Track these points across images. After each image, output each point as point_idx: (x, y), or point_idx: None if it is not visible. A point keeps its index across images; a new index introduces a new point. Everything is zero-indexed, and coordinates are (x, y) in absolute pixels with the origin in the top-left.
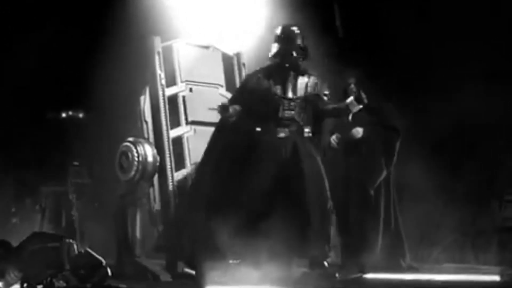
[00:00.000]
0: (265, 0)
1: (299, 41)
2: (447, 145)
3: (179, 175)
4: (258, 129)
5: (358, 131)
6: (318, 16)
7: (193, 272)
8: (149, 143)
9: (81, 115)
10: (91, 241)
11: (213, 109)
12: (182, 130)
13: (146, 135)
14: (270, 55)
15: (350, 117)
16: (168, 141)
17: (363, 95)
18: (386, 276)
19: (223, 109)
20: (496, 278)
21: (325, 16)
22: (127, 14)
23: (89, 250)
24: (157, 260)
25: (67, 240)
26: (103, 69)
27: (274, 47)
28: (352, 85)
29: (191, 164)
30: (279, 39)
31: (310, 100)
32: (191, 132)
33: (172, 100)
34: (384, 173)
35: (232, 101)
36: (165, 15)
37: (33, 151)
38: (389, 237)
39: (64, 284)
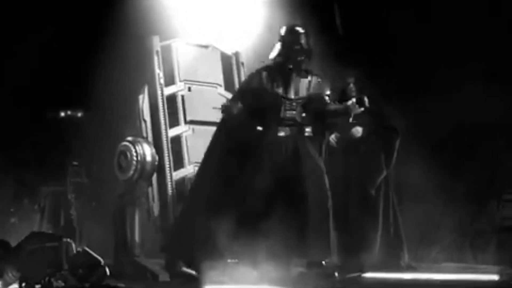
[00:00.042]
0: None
1: (303, 42)
2: (447, 145)
3: (177, 174)
4: (259, 128)
5: (358, 131)
6: (316, 16)
7: (192, 272)
8: (148, 143)
9: (80, 115)
10: (90, 240)
11: (217, 108)
12: (180, 129)
13: (144, 135)
14: (273, 55)
15: (350, 119)
16: (166, 140)
17: (366, 99)
18: (385, 276)
19: (226, 108)
20: (495, 277)
21: (324, 16)
22: (126, 13)
23: (87, 249)
24: (156, 260)
25: (66, 240)
26: (102, 68)
27: (278, 47)
28: (352, 85)
29: (189, 164)
30: (283, 39)
31: (312, 101)
32: (190, 132)
33: (171, 100)
34: (384, 173)
35: (234, 99)
36: (163, 15)
37: (32, 151)
38: (388, 236)
39: (63, 284)
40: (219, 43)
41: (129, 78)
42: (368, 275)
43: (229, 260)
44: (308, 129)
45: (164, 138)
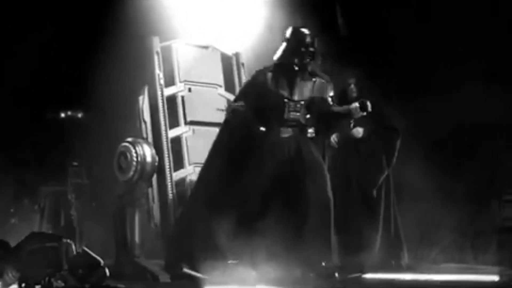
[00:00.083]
0: (264, 0)
1: (309, 44)
2: (447, 145)
3: (177, 175)
4: (262, 128)
5: (359, 131)
6: (316, 16)
7: (193, 272)
8: (148, 143)
9: (80, 115)
10: (90, 241)
11: (220, 109)
12: (180, 130)
13: (144, 135)
14: (277, 55)
15: (352, 123)
16: (166, 141)
17: (368, 103)
18: (385, 276)
19: (230, 109)
20: (495, 278)
21: (324, 16)
22: (126, 14)
23: (87, 250)
24: (156, 260)
25: (65, 240)
26: (102, 69)
27: (283, 48)
28: (352, 85)
29: (189, 164)
30: (289, 40)
31: (315, 102)
32: (190, 132)
33: (171, 100)
34: (385, 173)
35: (238, 98)
36: (164, 15)
37: (32, 151)
38: (388, 237)
39: (63, 284)
40: (219, 44)
41: (129, 78)
42: (368, 275)
43: (230, 261)
44: (310, 130)
45: (164, 139)
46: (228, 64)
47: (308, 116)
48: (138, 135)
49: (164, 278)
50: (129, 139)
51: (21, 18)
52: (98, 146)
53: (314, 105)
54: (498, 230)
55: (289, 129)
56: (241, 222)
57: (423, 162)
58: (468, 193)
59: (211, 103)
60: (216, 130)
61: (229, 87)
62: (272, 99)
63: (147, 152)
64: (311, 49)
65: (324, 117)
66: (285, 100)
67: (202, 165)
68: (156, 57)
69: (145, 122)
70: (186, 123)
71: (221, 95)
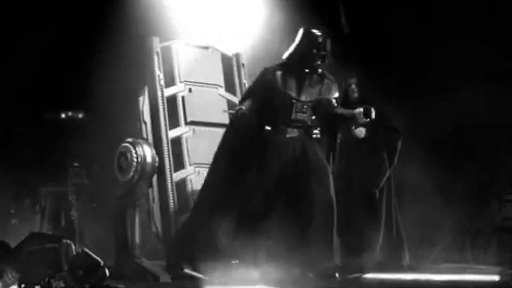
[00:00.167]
0: (263, 0)
1: (321, 46)
2: (447, 145)
3: (178, 175)
4: (268, 128)
5: (361, 131)
6: (316, 16)
7: (194, 273)
8: (148, 144)
9: (80, 116)
10: (91, 241)
11: (228, 112)
12: (181, 130)
13: (145, 136)
14: (287, 54)
15: (353, 127)
16: (167, 141)
17: (373, 110)
18: (385, 276)
19: (241, 115)
20: (495, 278)
21: (324, 16)
22: (126, 14)
23: (86, 250)
24: (156, 261)
25: (65, 241)
26: (103, 69)
27: (294, 48)
28: (353, 86)
29: (190, 165)
30: (300, 41)
31: (322, 104)
32: (190, 133)
33: (171, 101)
34: (387, 173)
35: (246, 96)
36: (164, 16)
37: (33, 151)
38: (390, 237)
39: (63, 285)
40: (220, 44)
41: (129, 79)
42: (369, 275)
43: (232, 262)
44: (316, 131)
45: (164, 139)
46: (229, 64)
47: (313, 117)
48: (138, 136)
49: (165, 278)
50: (129, 140)
51: (21, 18)
52: (98, 147)
53: (321, 106)
54: (498, 230)
55: (295, 130)
56: (243, 222)
57: (423, 162)
58: (468, 193)
59: (211, 103)
60: (216, 130)
61: (229, 87)
62: (280, 99)
63: (147, 152)
64: (322, 51)
65: (328, 118)
66: (293, 100)
67: (203, 165)
68: (156, 58)
69: (145, 123)
70: (186, 123)
71: (221, 95)
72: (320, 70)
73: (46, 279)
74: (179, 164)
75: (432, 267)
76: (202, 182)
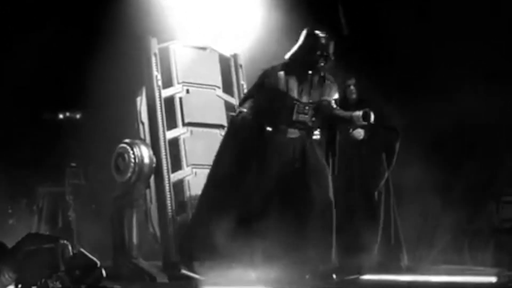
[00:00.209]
0: (261, 0)
1: (324, 47)
2: (447, 145)
3: (175, 176)
4: (269, 128)
5: (360, 132)
6: (313, 16)
7: (191, 273)
8: (146, 145)
9: (78, 116)
10: (88, 242)
11: (229, 114)
12: (178, 131)
13: (142, 137)
14: (290, 54)
15: (351, 129)
16: (164, 142)
17: (372, 114)
18: (383, 277)
19: (242, 118)
20: (493, 279)
21: (322, 16)
22: (123, 15)
23: (83, 251)
24: (154, 262)
25: (62, 241)
26: (100, 70)
27: (297, 48)
28: (352, 87)
29: (187, 166)
30: (304, 42)
31: (323, 106)
32: (188, 134)
33: (169, 102)
34: (386, 174)
35: (248, 96)
36: (161, 16)
37: (31, 151)
38: (388, 238)
39: (60, 285)
40: (217, 45)
41: (127, 79)
42: (366, 277)
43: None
44: (316, 132)
45: (162, 140)
46: (226, 65)
47: (314, 118)
48: (136, 136)
49: (162, 279)
50: (127, 140)
51: (21, 18)
52: (96, 147)
53: (322, 108)
54: (496, 231)
55: (296, 131)
56: (241, 223)
57: (423, 162)
58: (467, 194)
59: (209, 104)
60: (214, 131)
61: (227, 88)
62: (282, 99)
63: (145, 153)
64: (325, 53)
65: (327, 119)
66: (294, 101)
67: (201, 166)
68: (154, 58)
69: (143, 124)
70: (184, 124)
71: (219, 96)
72: (322, 72)
73: (43, 280)
74: (176, 165)
75: (430, 268)
76: (201, 183)
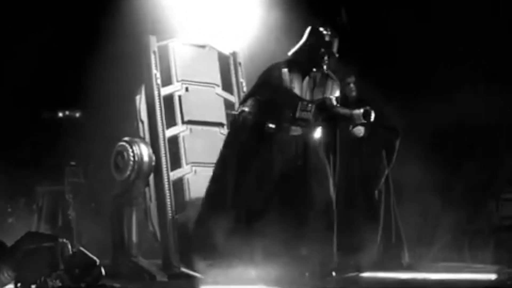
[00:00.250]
0: None
1: (329, 45)
2: (447, 145)
3: (175, 174)
4: (272, 126)
5: (360, 130)
6: (313, 15)
7: (190, 272)
8: (145, 143)
9: (77, 115)
10: (88, 240)
11: (229, 112)
12: (178, 129)
13: (142, 135)
14: (293, 51)
15: (351, 127)
16: (164, 140)
17: (372, 113)
18: (382, 275)
19: (242, 119)
20: (492, 277)
21: (321, 15)
22: (123, 13)
23: (82, 249)
24: (153, 260)
25: (61, 240)
26: (100, 68)
27: (301, 46)
28: (352, 85)
29: (187, 164)
30: (308, 40)
31: (326, 104)
32: (187, 132)
33: (168, 100)
34: (386, 172)
35: (251, 93)
36: (161, 14)
37: (30, 150)
38: (388, 236)
39: (59, 284)
40: (216, 43)
41: (126, 78)
42: (366, 274)
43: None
44: (318, 130)
45: (161, 139)
46: (226, 63)
47: (317, 116)
48: (135, 135)
49: (162, 277)
50: (126, 139)
51: (21, 18)
52: (95, 146)
53: (324, 106)
54: (496, 229)
55: (298, 128)
56: (242, 221)
57: (423, 162)
58: (467, 193)
59: (208, 102)
60: (213, 129)
61: (226, 86)
62: (285, 96)
63: (144, 151)
64: (329, 50)
65: (327, 116)
66: (298, 99)
67: (200, 164)
68: (153, 57)
69: (142, 122)
70: (183, 122)
71: (218, 94)
72: (326, 70)
73: (42, 278)
74: (176, 163)
75: (430, 266)
76: (201, 181)
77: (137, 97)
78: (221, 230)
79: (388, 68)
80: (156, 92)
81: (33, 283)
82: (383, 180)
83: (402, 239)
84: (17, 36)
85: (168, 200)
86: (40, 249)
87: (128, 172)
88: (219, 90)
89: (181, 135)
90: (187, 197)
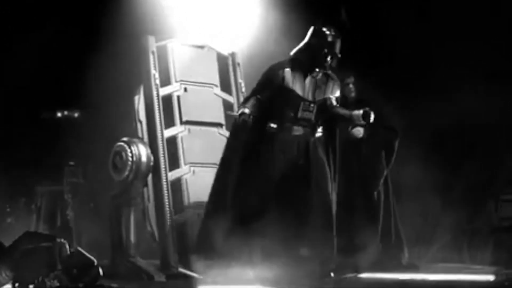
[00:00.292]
0: None
1: (331, 46)
2: (447, 145)
3: (173, 174)
4: (274, 125)
5: (359, 131)
6: (312, 15)
7: (188, 272)
8: (143, 143)
9: (76, 115)
10: (87, 241)
11: (231, 114)
12: (176, 129)
13: (140, 135)
14: (295, 51)
15: (350, 127)
16: (162, 141)
17: (372, 114)
18: (381, 276)
19: (242, 121)
20: (491, 278)
21: (320, 15)
22: (122, 13)
23: (80, 249)
24: (151, 260)
25: (59, 240)
26: (99, 69)
27: (304, 46)
28: (351, 85)
29: (185, 164)
30: (310, 41)
31: (328, 104)
32: (186, 132)
33: (167, 100)
34: (385, 173)
35: (254, 92)
36: (160, 15)
37: (30, 150)
38: (388, 237)
39: (57, 284)
40: (215, 43)
41: (125, 78)
42: (365, 275)
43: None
44: (319, 130)
45: (159, 139)
46: (224, 64)
47: (318, 116)
48: (134, 135)
49: (160, 277)
50: (125, 139)
51: (21, 18)
52: (94, 146)
53: (325, 106)
54: (495, 230)
55: (300, 128)
56: (241, 221)
57: (422, 162)
58: (467, 193)
59: (207, 103)
60: (212, 129)
61: (225, 86)
62: (287, 96)
63: (143, 151)
64: (332, 51)
65: (327, 117)
66: (300, 99)
67: (198, 165)
68: (151, 57)
69: (140, 122)
70: (181, 122)
71: (217, 94)
72: (328, 70)
73: (40, 278)
74: (174, 163)
75: (429, 267)
76: (199, 181)
77: (136, 97)
78: (220, 230)
79: (388, 68)
80: (154, 92)
81: (31, 283)
82: (382, 180)
83: (402, 240)
84: (17, 36)
85: (166, 200)
86: (38, 249)
87: (127, 173)
88: (217, 90)
89: (180, 135)
90: (185, 198)
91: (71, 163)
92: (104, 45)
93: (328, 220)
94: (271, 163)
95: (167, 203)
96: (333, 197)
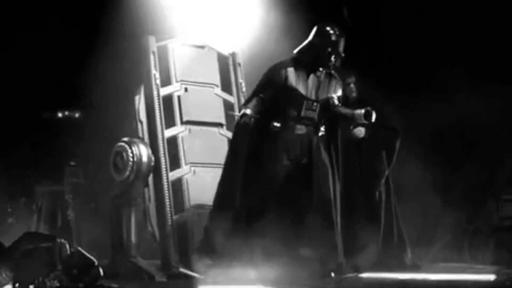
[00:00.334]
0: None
1: (335, 46)
2: (447, 145)
3: (174, 175)
4: (277, 124)
5: (361, 131)
6: (312, 15)
7: (189, 272)
8: (144, 143)
9: (77, 115)
10: (87, 241)
11: (232, 114)
12: (177, 130)
13: (141, 135)
14: (299, 49)
15: (352, 126)
16: (163, 141)
17: (374, 113)
18: (382, 276)
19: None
20: (492, 277)
21: (320, 15)
22: (122, 13)
23: (80, 249)
24: (152, 260)
25: (59, 240)
26: (99, 69)
27: (307, 45)
28: (352, 85)
29: (186, 164)
30: (314, 40)
31: (330, 104)
32: (186, 132)
33: (167, 100)
34: (386, 173)
35: (256, 91)
36: (160, 15)
37: (30, 150)
38: (390, 237)
39: (57, 284)
40: (216, 43)
41: (126, 78)
42: (366, 275)
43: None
44: (322, 129)
45: (160, 139)
46: (225, 64)
47: (321, 115)
48: (134, 135)
49: (161, 278)
50: (125, 139)
51: (21, 18)
52: (94, 146)
53: (328, 105)
54: (496, 230)
55: (303, 127)
56: (242, 221)
57: (423, 162)
58: (467, 193)
59: (207, 103)
60: (212, 129)
61: (225, 86)
62: (290, 95)
63: (143, 152)
64: (336, 50)
65: (329, 116)
66: (304, 98)
67: (199, 165)
68: (152, 57)
69: (141, 122)
70: (182, 122)
71: (217, 95)
72: (332, 69)
73: (40, 278)
74: (175, 163)
75: (430, 266)
76: (200, 181)
77: (136, 97)
78: (221, 230)
79: (388, 68)
80: (155, 93)
81: (31, 284)
82: (383, 180)
83: (405, 240)
84: (17, 36)
85: (167, 200)
86: (38, 249)
87: (127, 173)
88: (218, 90)
89: (180, 135)
90: (186, 198)
91: (72, 163)
92: (104, 45)
93: (329, 220)
94: (274, 162)
95: (168, 203)
96: (338, 197)
